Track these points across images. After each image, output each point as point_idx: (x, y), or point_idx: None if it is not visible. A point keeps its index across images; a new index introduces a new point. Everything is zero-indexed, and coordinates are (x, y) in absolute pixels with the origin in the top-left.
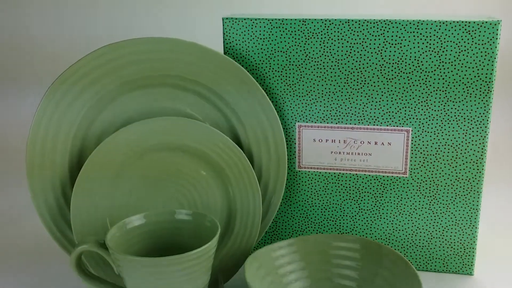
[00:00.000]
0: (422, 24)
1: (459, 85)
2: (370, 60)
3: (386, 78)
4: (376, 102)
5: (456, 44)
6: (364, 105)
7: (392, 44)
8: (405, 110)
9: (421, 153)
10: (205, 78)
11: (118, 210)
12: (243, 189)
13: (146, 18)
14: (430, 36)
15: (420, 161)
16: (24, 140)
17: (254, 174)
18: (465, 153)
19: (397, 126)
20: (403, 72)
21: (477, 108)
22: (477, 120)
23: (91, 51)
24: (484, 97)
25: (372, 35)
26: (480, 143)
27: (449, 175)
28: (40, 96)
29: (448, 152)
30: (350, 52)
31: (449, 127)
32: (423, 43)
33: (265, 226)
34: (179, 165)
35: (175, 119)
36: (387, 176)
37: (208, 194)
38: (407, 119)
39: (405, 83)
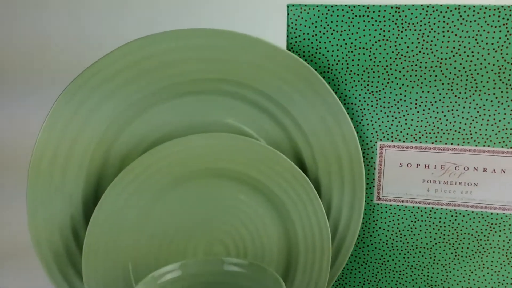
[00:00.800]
0: None
1: None
2: (485, 59)
3: (506, 84)
4: (489, 115)
5: None
6: (473, 120)
7: None
8: None
9: None
10: (262, 82)
11: (145, 256)
12: (308, 228)
13: (181, 7)
14: None
15: None
16: (26, 155)
17: (323, 209)
18: None
19: None
20: None
21: None
22: None
23: (116, 47)
24: None
25: (491, 26)
26: None
27: None
28: (46, 103)
29: None
30: (459, 49)
31: None
32: None
33: (334, 275)
34: (224, 196)
35: (222, 137)
36: (497, 214)
37: (261, 234)
38: None
39: None
